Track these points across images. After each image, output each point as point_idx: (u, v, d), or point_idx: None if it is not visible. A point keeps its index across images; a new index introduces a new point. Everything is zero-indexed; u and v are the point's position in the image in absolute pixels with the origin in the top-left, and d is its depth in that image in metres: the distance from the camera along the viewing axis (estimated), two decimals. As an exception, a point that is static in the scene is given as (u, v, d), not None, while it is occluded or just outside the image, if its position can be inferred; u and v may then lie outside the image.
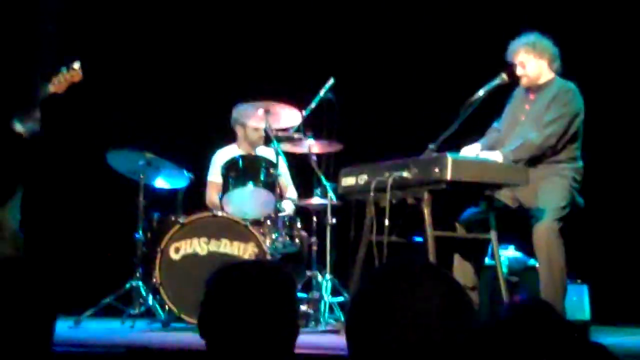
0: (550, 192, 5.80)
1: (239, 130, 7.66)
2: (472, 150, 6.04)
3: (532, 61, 6.06)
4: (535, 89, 6.12)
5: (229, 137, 7.75)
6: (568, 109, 5.94)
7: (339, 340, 5.51)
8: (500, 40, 6.28)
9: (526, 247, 6.57)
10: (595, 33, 7.76)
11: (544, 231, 5.69)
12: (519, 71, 6.09)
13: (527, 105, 6.13)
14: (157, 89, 8.79)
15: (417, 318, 1.84)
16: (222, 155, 7.58)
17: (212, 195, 7.55)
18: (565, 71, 6.17)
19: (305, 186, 7.52)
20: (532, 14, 7.44)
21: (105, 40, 8.72)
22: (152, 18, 8.87)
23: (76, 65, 6.25)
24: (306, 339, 5.82)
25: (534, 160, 5.87)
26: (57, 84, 6.22)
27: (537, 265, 5.94)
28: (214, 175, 7.59)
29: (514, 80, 6.14)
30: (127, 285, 6.90)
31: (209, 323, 2.35)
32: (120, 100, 8.72)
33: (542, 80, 6.10)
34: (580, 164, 6.00)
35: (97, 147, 7.44)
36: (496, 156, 5.77)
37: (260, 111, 7.12)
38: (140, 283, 6.88)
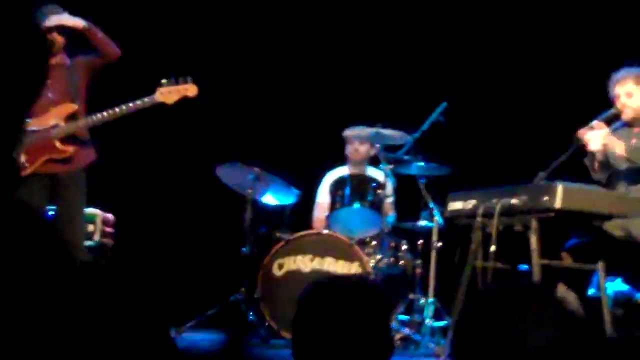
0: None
1: (349, 151, 7.72)
2: (601, 130, 5.83)
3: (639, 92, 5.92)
4: (638, 122, 5.99)
5: (340, 158, 7.81)
6: None
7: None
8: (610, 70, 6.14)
9: (634, 280, 6.46)
10: None
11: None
12: (623, 101, 5.93)
13: (634, 139, 5.96)
14: (271, 105, 8.89)
15: (526, 330, 1.82)
16: (332, 176, 7.65)
17: (320, 216, 7.61)
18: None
19: (412, 208, 7.51)
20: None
21: (221, 55, 8.88)
22: (269, 35, 8.99)
23: (189, 80, 6.35)
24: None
25: None
26: (165, 94, 6.31)
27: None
28: (322, 196, 7.65)
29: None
30: (231, 299, 6.99)
31: (300, 339, 2.36)
32: (233, 115, 8.85)
33: None
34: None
35: (207, 160, 7.55)
36: (620, 147, 5.67)
37: (371, 132, 7.18)
38: (242, 297, 6.96)
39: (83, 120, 6.33)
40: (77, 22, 6.33)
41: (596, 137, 5.74)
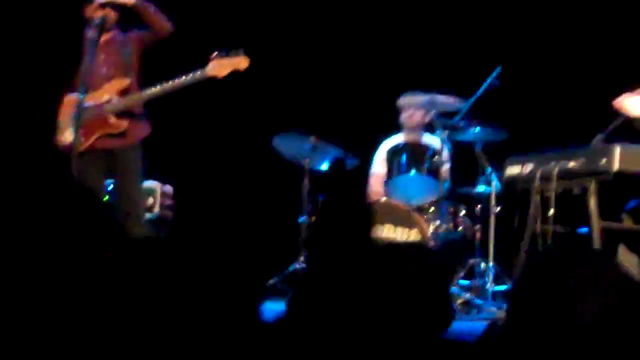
0: None
1: (404, 118, 7.72)
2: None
3: None
4: None
5: (395, 126, 7.81)
6: None
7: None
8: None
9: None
10: None
11: None
12: None
13: None
14: (326, 75, 8.92)
15: (586, 305, 1.83)
16: (387, 145, 7.66)
17: (376, 186, 7.63)
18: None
19: (469, 174, 7.51)
20: None
21: (277, 26, 8.92)
22: (323, 6, 9.01)
23: (241, 52, 6.32)
24: (466, 328, 5.85)
25: None
26: (217, 68, 6.29)
27: None
28: (378, 166, 7.66)
29: None
30: (291, 268, 7.06)
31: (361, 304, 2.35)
32: (288, 85, 8.90)
33: None
34: None
35: (264, 131, 7.60)
36: None
37: (426, 99, 7.18)
38: (305, 266, 7.02)
39: (136, 94, 6.38)
40: None
41: (636, 103, 5.70)
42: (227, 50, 6.32)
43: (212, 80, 6.32)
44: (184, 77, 6.33)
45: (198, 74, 6.31)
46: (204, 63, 6.33)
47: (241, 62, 6.33)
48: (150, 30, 6.38)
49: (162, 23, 6.36)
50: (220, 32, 8.09)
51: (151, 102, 6.44)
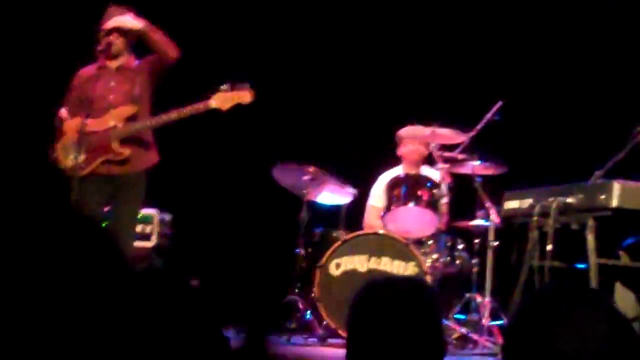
0: None
1: (405, 151, 7.73)
2: None
3: None
4: None
5: (393, 158, 7.82)
6: None
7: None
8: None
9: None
10: None
11: None
12: None
13: None
14: (326, 107, 8.96)
15: (578, 346, 1.82)
16: (387, 177, 7.67)
17: (372, 219, 7.63)
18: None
19: (468, 208, 7.52)
20: None
21: (278, 58, 8.97)
22: (325, 39, 9.07)
23: (246, 86, 6.32)
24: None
25: None
26: (221, 100, 6.29)
27: None
28: (375, 199, 7.68)
29: None
30: (286, 300, 7.06)
31: (354, 339, 2.39)
32: (289, 117, 8.93)
33: None
34: None
35: (263, 162, 7.61)
36: None
37: (427, 132, 7.20)
38: (298, 298, 7.03)
39: (140, 122, 6.36)
40: (135, 24, 6.33)
41: None
42: (232, 83, 6.32)
43: (216, 112, 6.32)
44: (188, 108, 6.33)
45: (202, 105, 6.30)
46: (210, 93, 6.32)
47: (246, 96, 6.32)
48: (156, 56, 6.37)
49: (167, 49, 6.32)
50: (226, 62, 8.12)
51: (158, 130, 6.44)
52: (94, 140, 6.30)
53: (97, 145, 6.30)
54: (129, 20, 6.34)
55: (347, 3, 9.13)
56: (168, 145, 6.66)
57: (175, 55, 6.32)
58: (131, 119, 6.36)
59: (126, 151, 6.30)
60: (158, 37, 6.31)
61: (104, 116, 6.36)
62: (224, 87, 6.29)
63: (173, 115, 6.32)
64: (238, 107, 6.34)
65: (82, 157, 6.29)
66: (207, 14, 8.82)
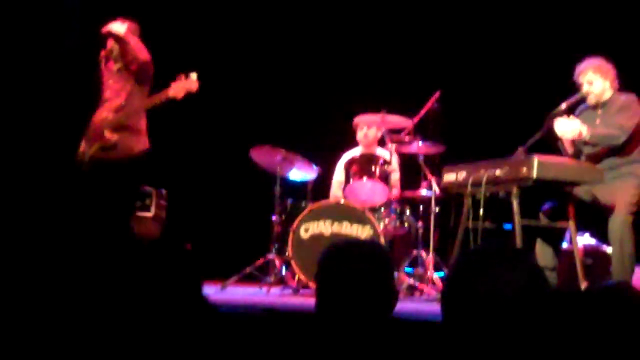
0: (625, 190, 5.65)
1: (360, 135, 7.77)
2: (571, 121, 5.76)
3: (599, 80, 5.90)
4: (601, 105, 5.96)
5: (353, 142, 7.87)
6: (637, 112, 5.84)
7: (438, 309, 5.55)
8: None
9: (599, 235, 6.52)
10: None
11: (619, 224, 5.54)
12: (586, 88, 5.96)
13: (597, 119, 5.99)
14: (300, 100, 9.00)
15: (495, 291, 1.92)
16: (347, 157, 7.71)
17: (335, 191, 7.67)
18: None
19: (414, 180, 7.60)
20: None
21: (252, 53, 8.97)
22: (288, 28, 9.05)
23: (194, 76, 6.19)
24: (410, 307, 5.93)
25: (612, 162, 5.84)
26: (175, 90, 6.17)
27: (610, 251, 5.88)
28: (338, 174, 7.72)
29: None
30: (264, 258, 7.11)
31: (322, 291, 2.43)
32: (266, 106, 8.95)
33: (605, 97, 5.94)
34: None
35: (243, 144, 7.64)
36: (585, 130, 5.67)
37: (379, 119, 7.29)
38: (275, 257, 7.10)
39: (122, 112, 6.28)
40: (118, 31, 6.23)
41: (567, 128, 5.76)
42: (186, 74, 6.21)
43: (174, 100, 6.23)
44: (151, 98, 6.28)
45: (163, 95, 6.23)
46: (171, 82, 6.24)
47: (192, 85, 6.21)
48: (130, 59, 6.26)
49: (133, 56, 6.21)
50: (197, 53, 7.99)
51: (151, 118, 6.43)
52: (93, 129, 6.33)
53: (94, 134, 6.32)
54: (116, 27, 6.26)
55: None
56: (161, 131, 6.63)
57: (138, 61, 6.22)
58: (117, 109, 6.30)
59: (114, 137, 6.23)
60: (127, 47, 6.19)
61: (104, 109, 6.37)
62: (178, 77, 6.20)
63: (146, 103, 6.27)
64: (226, 98, 6.22)
65: (83, 145, 6.34)
66: (178, 4, 8.68)
